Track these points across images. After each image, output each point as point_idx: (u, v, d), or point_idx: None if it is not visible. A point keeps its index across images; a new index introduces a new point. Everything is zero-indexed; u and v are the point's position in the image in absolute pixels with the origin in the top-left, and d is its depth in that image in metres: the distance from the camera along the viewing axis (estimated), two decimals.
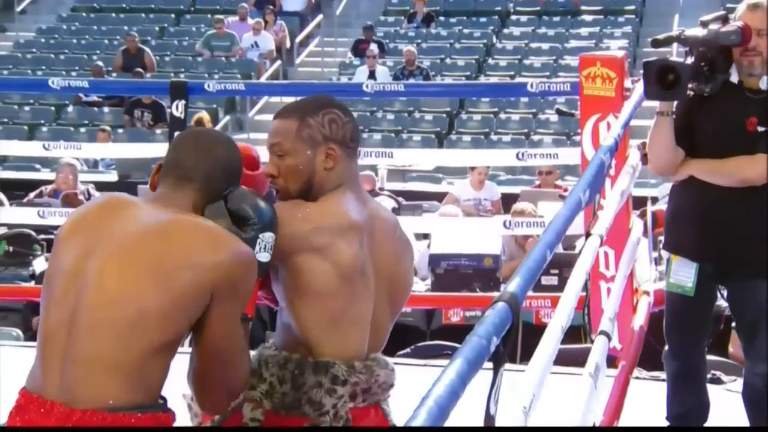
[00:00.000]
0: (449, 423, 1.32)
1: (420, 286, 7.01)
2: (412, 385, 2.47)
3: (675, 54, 3.82)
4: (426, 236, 7.46)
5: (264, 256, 2.23)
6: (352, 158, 2.46)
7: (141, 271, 2.10)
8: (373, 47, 14.96)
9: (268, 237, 2.24)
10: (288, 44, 16.31)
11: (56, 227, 6.98)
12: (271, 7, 16.73)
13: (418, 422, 1.20)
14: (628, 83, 4.44)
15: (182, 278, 2.09)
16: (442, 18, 16.81)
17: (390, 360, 2.45)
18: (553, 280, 5.90)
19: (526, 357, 2.50)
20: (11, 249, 7.40)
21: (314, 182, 2.36)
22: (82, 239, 2.19)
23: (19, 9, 18.09)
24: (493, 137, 13.47)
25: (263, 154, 2.49)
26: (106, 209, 2.26)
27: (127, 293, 2.09)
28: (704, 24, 3.60)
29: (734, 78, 3.56)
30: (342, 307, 2.32)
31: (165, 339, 2.10)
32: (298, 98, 2.46)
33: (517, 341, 1.96)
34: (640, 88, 3.91)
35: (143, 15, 17.42)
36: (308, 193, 2.36)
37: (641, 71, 3.65)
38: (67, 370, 2.10)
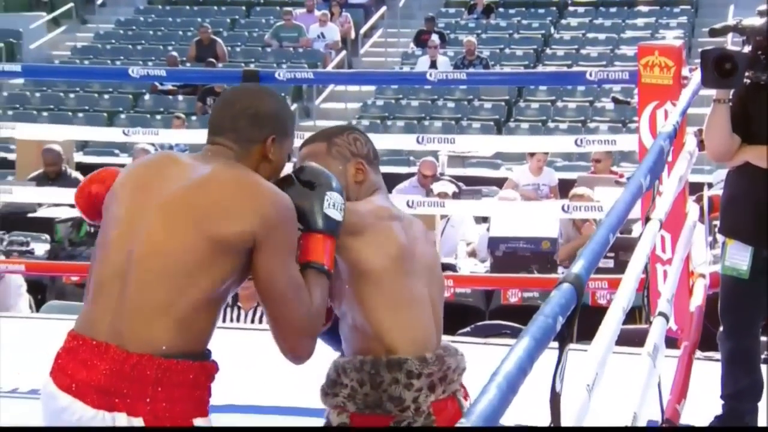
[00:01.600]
0: (516, 399, 1.31)
1: (479, 268, 7.02)
2: (472, 363, 2.48)
3: (730, 43, 3.76)
4: (485, 220, 7.45)
5: (334, 213, 2.23)
6: (377, 173, 2.51)
7: (185, 222, 2.13)
8: (435, 38, 14.93)
9: (335, 196, 2.24)
10: (353, 35, 16.33)
11: None
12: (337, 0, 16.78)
13: (488, 397, 1.20)
14: (685, 71, 4.39)
15: (223, 227, 2.12)
16: (501, 9, 16.73)
17: (456, 346, 2.45)
18: (609, 263, 5.85)
19: (582, 337, 2.49)
20: (92, 229, 7.49)
21: (348, 196, 2.35)
22: (132, 194, 2.23)
23: (99, 2, 18.31)
24: (551, 125, 13.40)
25: None
26: (154, 166, 2.30)
27: (173, 244, 2.12)
28: (762, 13, 3.56)
29: None
30: (401, 287, 2.32)
31: (211, 287, 2.12)
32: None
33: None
34: (697, 76, 3.87)
35: (215, 7, 17.55)
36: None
37: (696, 60, 3.61)
38: (121, 317, 2.12)
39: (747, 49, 3.48)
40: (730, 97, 3.57)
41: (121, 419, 2.10)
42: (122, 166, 9.15)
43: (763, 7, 3.61)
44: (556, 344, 1.62)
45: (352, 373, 2.34)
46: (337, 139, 2.44)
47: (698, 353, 4.47)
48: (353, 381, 2.33)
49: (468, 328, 5.73)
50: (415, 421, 2.29)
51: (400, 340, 2.32)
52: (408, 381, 2.30)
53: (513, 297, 6.42)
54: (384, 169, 2.69)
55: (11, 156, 10.79)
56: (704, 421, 3.76)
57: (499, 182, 9.27)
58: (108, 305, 2.14)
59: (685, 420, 3.51)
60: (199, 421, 2.13)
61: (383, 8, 17.12)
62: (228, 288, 2.18)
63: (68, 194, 7.54)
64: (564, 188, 8.41)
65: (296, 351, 2.19)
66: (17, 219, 7.78)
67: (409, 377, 2.30)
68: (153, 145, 10.89)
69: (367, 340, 2.35)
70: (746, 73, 3.45)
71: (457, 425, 1.14)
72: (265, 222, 2.13)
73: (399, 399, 2.30)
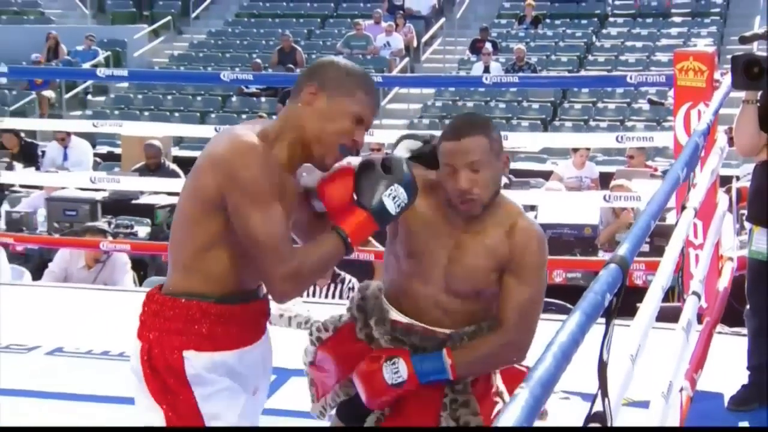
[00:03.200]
0: (570, 367, 1.30)
1: None
2: None
3: (757, 49, 3.69)
4: (533, 208, 7.41)
5: (390, 204, 2.06)
6: None
7: (188, 183, 2.13)
8: (488, 46, 14.85)
9: (401, 191, 2.07)
10: (415, 44, 16.29)
11: None
12: (401, 12, 16.73)
13: (545, 365, 1.19)
14: (717, 75, 4.32)
15: (198, 183, 2.06)
16: (548, 20, 16.58)
17: None
18: (645, 248, 5.79)
19: (620, 313, 2.46)
20: None
21: (498, 189, 2.27)
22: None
23: (193, 15, 18.45)
24: (592, 123, 13.27)
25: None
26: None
27: (182, 202, 2.13)
28: None
29: None
30: None
31: (207, 237, 2.07)
32: (460, 116, 2.32)
33: None
34: (728, 79, 3.82)
35: (294, 20, 17.60)
36: (493, 200, 2.24)
37: (726, 65, 3.57)
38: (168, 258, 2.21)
39: None
40: (758, 98, 3.52)
41: (134, 342, 2.14)
42: None
43: None
44: (602, 320, 1.61)
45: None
46: (493, 134, 2.22)
47: (726, 329, 4.41)
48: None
49: None
50: None
51: None
52: None
53: (558, 277, 6.38)
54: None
55: (117, 150, 10.94)
56: (721, 388, 3.71)
57: (546, 175, 9.20)
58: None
59: (700, 387, 3.46)
60: (189, 354, 2.07)
61: (442, 19, 17.07)
62: (231, 241, 2.06)
63: (166, 183, 7.66)
64: (604, 180, 8.33)
65: (274, 294, 2.09)
66: (122, 205, 7.87)
67: None
68: None
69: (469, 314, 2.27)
70: None
71: (517, 389, 1.13)
72: (220, 171, 2.00)
73: None
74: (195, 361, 2.07)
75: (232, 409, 2.11)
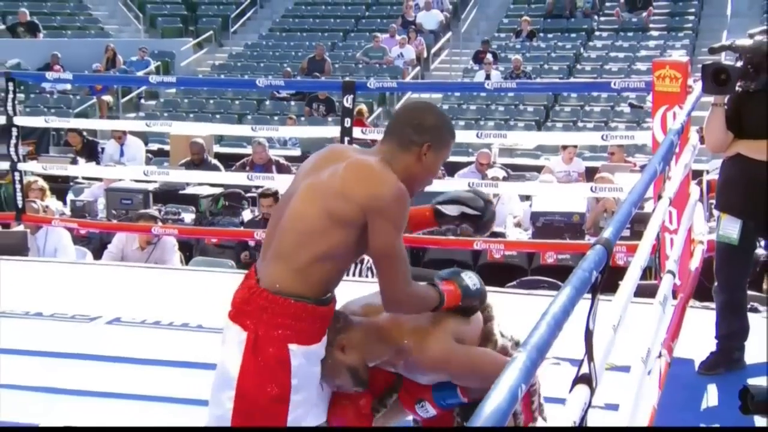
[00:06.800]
0: (560, 336, 1.30)
1: (523, 236, 6.96)
2: (518, 310, 2.47)
3: (723, 59, 3.67)
4: (528, 198, 7.39)
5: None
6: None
7: (315, 199, 2.13)
8: (489, 56, 14.78)
9: (477, 279, 2.30)
10: (425, 55, 16.23)
11: (259, 187, 7.17)
12: (413, 27, 16.66)
13: (540, 332, 1.19)
14: (690, 82, 4.29)
15: (338, 204, 2.09)
16: (541, 34, 16.46)
17: (505, 296, 2.47)
18: (626, 232, 5.76)
19: (603, 289, 2.46)
20: (227, 203, 7.58)
21: None
22: (297, 177, 2.26)
23: (232, 30, 18.43)
24: (580, 124, 13.20)
25: None
26: (320, 156, 2.27)
27: (304, 213, 2.13)
28: (751, 36, 3.49)
29: None
30: None
31: (326, 248, 2.10)
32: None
33: None
34: (699, 85, 3.79)
35: (320, 33, 17.55)
36: None
37: (697, 73, 3.54)
38: (266, 260, 2.18)
39: (738, 63, 3.42)
40: (725, 101, 3.50)
41: (238, 330, 2.13)
42: (248, 155, 9.19)
43: (752, 31, 3.54)
44: (588, 295, 1.60)
45: None
46: None
47: (697, 303, 4.40)
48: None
49: (514, 282, 5.71)
50: None
51: None
52: None
53: (550, 258, 6.37)
54: (450, 157, 2.65)
55: (166, 147, 10.96)
56: (693, 355, 3.71)
57: (539, 169, 9.16)
58: (265, 251, 2.21)
59: (675, 354, 3.45)
60: (293, 347, 2.11)
61: (449, 34, 16.99)
62: (344, 254, 2.13)
63: (209, 176, 7.67)
64: (589, 174, 8.30)
65: (389, 304, 2.15)
66: (171, 195, 7.89)
67: None
68: (272, 139, 11.00)
69: None
70: (738, 83, 3.40)
71: (516, 352, 1.13)
72: (372, 201, 2.07)
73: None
74: (299, 353, 2.11)
75: (310, 401, 2.17)
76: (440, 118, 2.24)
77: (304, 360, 2.12)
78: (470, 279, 2.26)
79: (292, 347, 2.11)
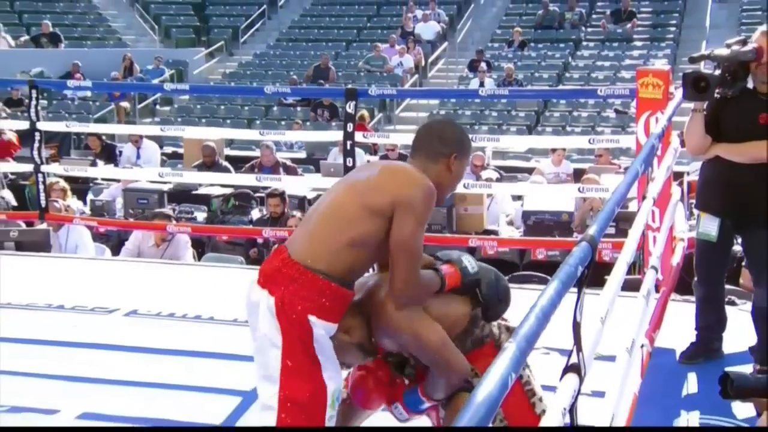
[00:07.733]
0: (550, 328, 1.30)
1: (515, 233, 6.96)
2: (512, 302, 2.46)
3: (703, 68, 3.65)
4: (520, 198, 7.38)
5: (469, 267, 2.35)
6: None
7: (354, 194, 2.21)
8: (483, 65, 14.77)
9: (474, 262, 2.34)
10: (423, 63, 16.22)
11: (267, 188, 7.15)
12: (412, 37, 16.65)
13: (529, 323, 1.19)
14: (671, 89, 4.29)
15: (374, 198, 2.16)
16: (532, 44, 16.45)
17: None
18: (612, 230, 5.76)
19: (590, 284, 2.45)
20: (237, 203, 7.58)
21: None
22: (341, 180, 2.39)
23: (242, 40, 18.44)
24: (568, 128, 13.20)
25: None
26: (360, 167, 2.43)
27: (343, 203, 2.21)
28: (728, 45, 3.48)
29: (750, 85, 3.44)
30: None
31: (360, 236, 2.15)
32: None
33: None
34: (679, 92, 3.79)
35: (324, 43, 17.53)
36: None
37: (679, 81, 3.54)
38: (303, 237, 2.22)
39: (717, 72, 3.41)
40: (704, 107, 3.50)
41: (266, 294, 2.16)
42: (257, 158, 9.18)
43: (729, 41, 3.54)
44: (574, 289, 1.60)
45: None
46: None
47: (678, 296, 4.40)
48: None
49: (507, 277, 5.67)
50: None
51: None
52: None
53: (540, 254, 6.37)
54: None
55: (180, 150, 10.94)
56: (674, 345, 3.71)
57: (530, 171, 9.15)
58: (302, 230, 2.27)
59: (658, 344, 3.45)
60: (313, 318, 2.13)
61: (445, 44, 16.97)
62: (374, 243, 2.17)
63: (220, 177, 7.67)
64: (577, 175, 8.30)
65: (398, 291, 2.16)
66: (184, 195, 7.90)
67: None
68: (279, 142, 10.99)
69: None
70: (716, 90, 3.40)
71: (507, 342, 1.13)
72: (402, 195, 2.14)
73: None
74: (319, 324, 2.14)
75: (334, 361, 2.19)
76: (460, 131, 2.37)
77: (323, 331, 2.15)
78: (469, 262, 2.31)
79: (312, 318, 2.13)
